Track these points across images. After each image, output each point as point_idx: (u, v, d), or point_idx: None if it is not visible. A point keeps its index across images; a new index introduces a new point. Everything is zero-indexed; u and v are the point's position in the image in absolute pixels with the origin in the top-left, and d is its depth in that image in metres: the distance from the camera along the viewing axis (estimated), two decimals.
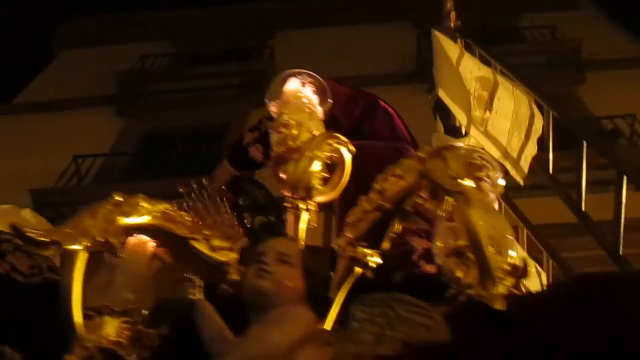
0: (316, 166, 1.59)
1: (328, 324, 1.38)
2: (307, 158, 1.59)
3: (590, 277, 1.19)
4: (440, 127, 3.52)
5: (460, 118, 3.24)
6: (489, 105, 3.03)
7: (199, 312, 1.39)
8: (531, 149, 3.03)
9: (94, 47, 10.61)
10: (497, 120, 2.99)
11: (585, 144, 2.57)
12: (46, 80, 10.10)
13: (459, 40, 3.50)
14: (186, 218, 1.50)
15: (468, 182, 1.31)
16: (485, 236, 1.37)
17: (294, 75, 1.94)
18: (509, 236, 1.45)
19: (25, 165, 8.29)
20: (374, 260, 1.45)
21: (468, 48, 3.50)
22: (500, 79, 3.05)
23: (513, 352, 1.09)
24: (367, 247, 1.46)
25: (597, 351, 1.05)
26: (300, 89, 1.92)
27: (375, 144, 2.22)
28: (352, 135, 2.27)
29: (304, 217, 1.58)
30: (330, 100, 1.93)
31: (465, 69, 3.19)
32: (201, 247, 1.49)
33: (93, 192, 7.03)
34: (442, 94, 3.42)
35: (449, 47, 3.32)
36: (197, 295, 1.43)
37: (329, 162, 1.66)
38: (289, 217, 1.58)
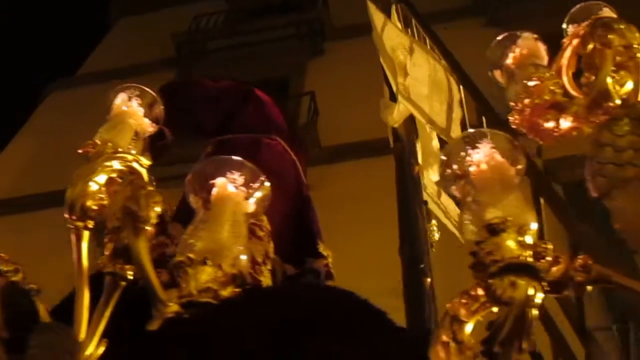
0: (93, 187, 1.73)
1: (95, 340, 1.53)
2: (81, 181, 1.73)
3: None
4: (387, 92, 3.58)
5: (393, 85, 3.30)
6: (406, 72, 3.07)
7: None
8: (457, 112, 3.05)
9: (148, 12, 10.99)
10: (415, 86, 3.02)
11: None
12: (106, 50, 10.63)
13: (393, 7, 3.49)
14: None
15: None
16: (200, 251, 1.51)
17: (122, 89, 2.05)
18: (237, 246, 1.58)
19: (94, 136, 8.84)
20: (132, 272, 1.61)
21: (405, 14, 3.50)
22: (416, 45, 3.06)
23: None
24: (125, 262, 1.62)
25: None
26: (126, 103, 2.03)
27: (238, 138, 2.32)
28: (222, 131, 2.40)
29: (85, 235, 1.72)
30: (159, 110, 2.04)
31: (387, 36, 3.22)
32: None
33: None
34: (381, 60, 3.47)
35: (376, 16, 3.35)
36: None
37: (117, 178, 1.79)
38: (72, 237, 1.73)
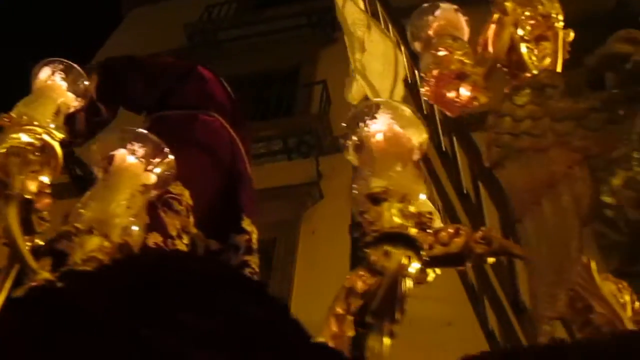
0: None
1: None
2: None
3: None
4: (351, 70, 3.56)
5: (351, 61, 3.30)
6: (363, 47, 3.05)
7: None
8: (400, 90, 3.03)
9: (160, 2, 11.06)
10: (371, 62, 3.00)
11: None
12: (118, 40, 10.71)
13: None
14: None
15: None
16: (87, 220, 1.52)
17: (47, 64, 2.05)
18: (129, 217, 1.59)
19: None
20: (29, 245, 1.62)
21: None
22: (372, 22, 3.05)
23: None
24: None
25: None
26: (49, 77, 2.03)
27: (174, 114, 2.32)
28: (160, 107, 2.40)
29: None
30: (84, 84, 2.05)
31: (348, 12, 3.21)
32: None
33: None
34: (345, 37, 3.46)
35: None
36: None
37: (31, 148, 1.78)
38: None
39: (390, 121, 1.64)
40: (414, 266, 1.41)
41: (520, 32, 1.80)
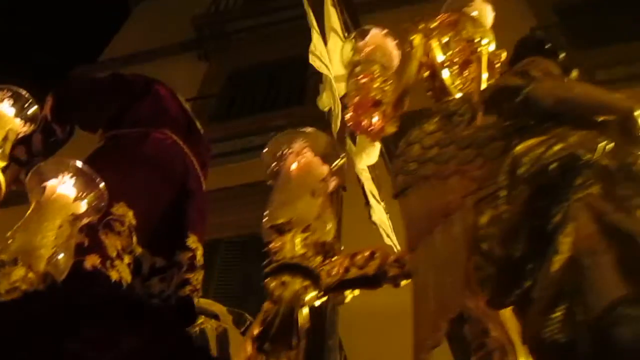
0: None
1: None
2: None
3: None
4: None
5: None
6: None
7: None
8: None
9: None
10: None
11: None
12: (126, 35, 10.78)
13: None
14: None
15: None
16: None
17: None
18: (55, 246, 1.67)
19: None
20: None
21: None
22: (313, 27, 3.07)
23: None
24: None
25: None
26: None
27: (127, 132, 2.38)
28: (114, 125, 2.46)
29: None
30: (33, 110, 2.12)
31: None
32: None
33: None
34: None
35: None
36: None
37: None
38: None
39: (305, 150, 1.68)
40: (311, 295, 1.46)
41: (440, 58, 1.83)
